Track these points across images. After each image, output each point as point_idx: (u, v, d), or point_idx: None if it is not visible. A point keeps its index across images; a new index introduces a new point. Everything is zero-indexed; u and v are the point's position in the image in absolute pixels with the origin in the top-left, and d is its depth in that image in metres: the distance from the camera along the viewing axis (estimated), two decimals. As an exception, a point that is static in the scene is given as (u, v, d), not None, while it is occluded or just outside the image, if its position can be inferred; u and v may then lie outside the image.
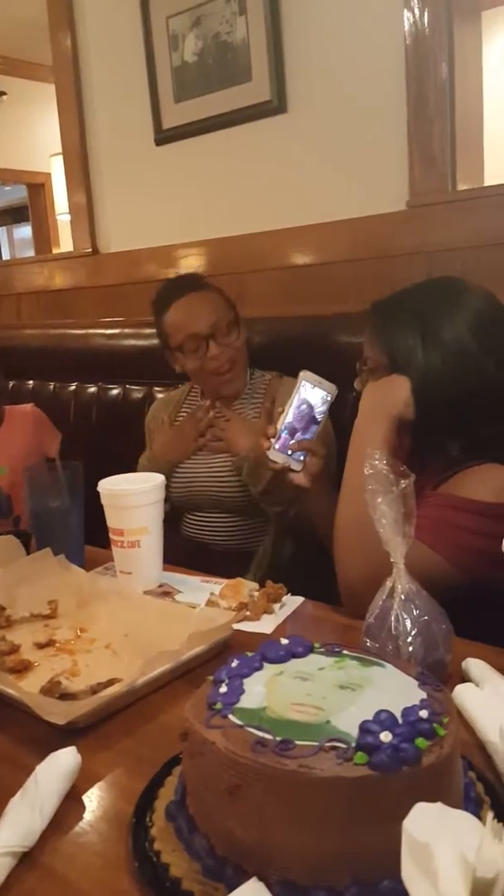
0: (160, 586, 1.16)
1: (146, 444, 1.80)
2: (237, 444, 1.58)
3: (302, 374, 1.21)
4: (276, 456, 1.19)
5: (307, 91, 1.89)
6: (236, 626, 0.97)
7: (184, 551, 1.57)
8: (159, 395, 2.01)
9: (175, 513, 1.71)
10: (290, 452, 1.19)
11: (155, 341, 2.04)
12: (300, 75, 1.90)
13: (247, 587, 1.09)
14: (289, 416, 1.20)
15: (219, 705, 0.58)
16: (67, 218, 2.62)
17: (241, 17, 1.94)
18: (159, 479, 1.16)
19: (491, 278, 1.59)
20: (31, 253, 5.82)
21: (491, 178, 1.82)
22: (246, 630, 0.99)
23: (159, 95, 2.18)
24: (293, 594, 1.10)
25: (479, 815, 0.55)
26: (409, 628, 0.79)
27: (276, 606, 1.06)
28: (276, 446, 1.19)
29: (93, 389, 2.21)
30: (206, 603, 1.07)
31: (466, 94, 1.72)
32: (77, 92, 2.41)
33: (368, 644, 0.82)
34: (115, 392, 2.16)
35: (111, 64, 2.33)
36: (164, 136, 2.20)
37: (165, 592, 1.14)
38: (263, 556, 1.57)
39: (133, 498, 1.12)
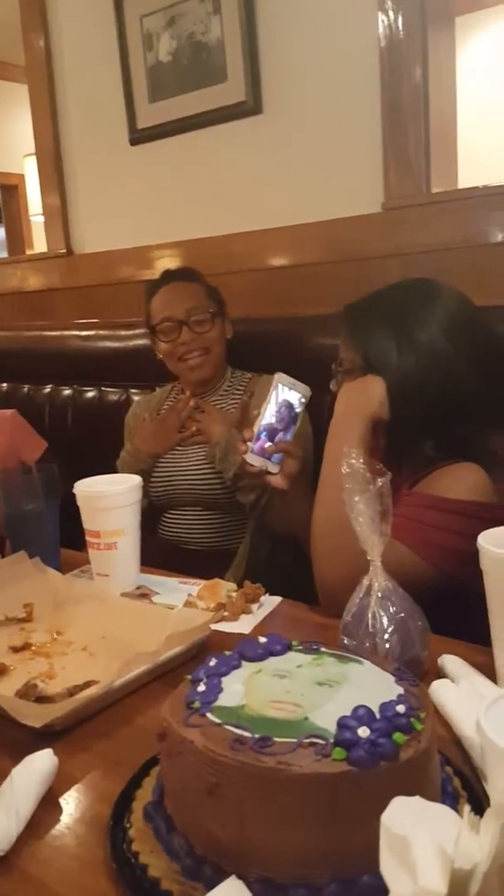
0: (137, 588, 1.15)
1: (125, 442, 1.79)
2: (211, 432, 1.62)
3: (276, 376, 1.22)
4: (254, 459, 1.19)
5: (283, 92, 1.90)
6: (214, 627, 0.97)
7: (161, 553, 1.56)
8: (136, 398, 2.01)
9: (153, 512, 1.71)
10: (267, 455, 1.20)
11: (132, 343, 2.05)
12: (275, 77, 1.90)
13: (224, 588, 1.09)
14: (265, 418, 1.20)
15: (197, 704, 0.58)
16: (41, 219, 2.60)
17: (216, 16, 1.94)
18: (136, 480, 1.16)
19: (466, 280, 1.60)
20: (3, 255, 5.75)
21: (464, 181, 1.83)
22: (224, 630, 0.99)
23: (134, 95, 2.17)
24: (271, 595, 1.10)
25: (456, 810, 0.55)
26: (385, 625, 0.79)
27: (254, 607, 1.06)
28: (254, 449, 1.19)
29: (68, 392, 2.19)
30: (183, 604, 1.07)
31: (440, 98, 1.74)
32: (50, 92, 2.40)
33: (346, 642, 0.82)
34: (90, 394, 2.15)
35: (85, 64, 2.32)
36: (139, 137, 2.20)
37: (143, 594, 1.13)
38: (242, 557, 1.57)
39: (109, 500, 1.11)
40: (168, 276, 1.74)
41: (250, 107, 1.93)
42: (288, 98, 1.89)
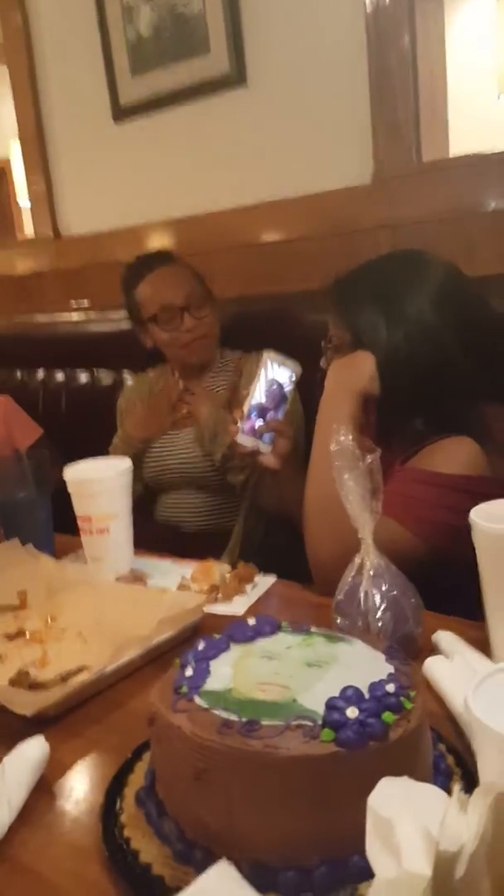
0: (131, 572, 1.14)
1: (117, 426, 1.78)
2: (199, 412, 1.61)
3: (265, 353, 1.20)
4: (244, 440, 1.17)
5: (267, 63, 1.86)
6: (208, 609, 0.96)
7: (156, 536, 1.56)
8: (129, 380, 1.99)
9: (148, 496, 1.70)
10: (258, 435, 1.18)
11: (123, 325, 2.02)
12: (259, 47, 1.86)
13: (218, 569, 1.08)
14: (254, 397, 1.18)
15: (184, 689, 0.57)
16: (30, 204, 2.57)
17: (196, -13, 1.90)
18: (126, 463, 1.15)
19: (458, 250, 1.58)
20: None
21: (456, 149, 1.80)
22: (218, 612, 0.98)
23: (115, 71, 2.13)
24: (266, 574, 1.10)
25: (448, 787, 0.55)
26: (378, 603, 0.79)
27: (248, 587, 1.05)
28: (244, 429, 1.17)
29: (61, 377, 2.18)
30: (177, 587, 1.06)
31: (429, 64, 1.70)
32: (31, 72, 2.35)
33: (339, 621, 0.81)
34: (84, 378, 2.13)
35: (64, 41, 2.27)
36: (122, 113, 2.15)
37: (137, 578, 1.12)
38: (236, 538, 1.57)
39: (99, 484, 1.10)
40: (147, 263, 1.68)
41: (234, 79, 1.89)
42: (273, 69, 1.85)
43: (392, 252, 1.21)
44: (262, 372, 1.19)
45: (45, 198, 2.42)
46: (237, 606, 1.01)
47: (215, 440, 1.54)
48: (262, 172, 1.92)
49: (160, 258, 1.70)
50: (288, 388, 1.20)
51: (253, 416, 1.17)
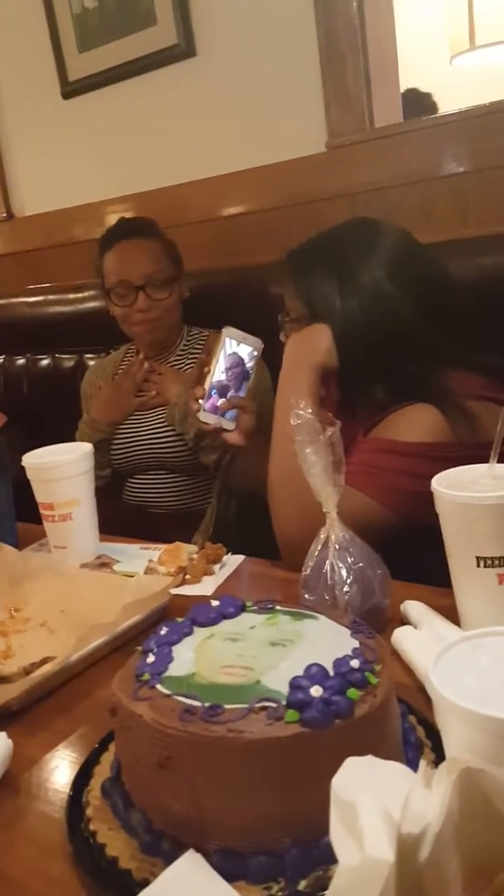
0: (97, 558, 1.12)
1: (82, 411, 1.75)
2: (169, 393, 1.58)
3: (225, 330, 1.18)
4: (207, 417, 1.16)
5: (215, 33, 1.81)
6: (177, 591, 0.95)
7: (125, 519, 1.54)
8: (91, 363, 1.95)
9: (117, 479, 1.67)
10: (221, 412, 1.16)
11: (82, 306, 1.98)
12: (206, 16, 1.81)
13: (186, 551, 1.07)
14: (215, 374, 1.16)
15: (146, 676, 0.55)
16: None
17: (139, -44, 1.84)
18: (86, 447, 1.12)
19: (416, 216, 1.57)
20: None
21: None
22: (186, 594, 0.97)
23: (62, 46, 2.06)
24: (240, 553, 1.08)
25: (418, 760, 0.54)
26: (344, 577, 0.77)
27: (216, 567, 1.04)
28: (206, 407, 1.16)
29: (21, 361, 2.13)
30: (144, 570, 1.04)
31: (378, 26, 1.67)
32: (-25, 49, 2.27)
33: (306, 596, 0.80)
34: (44, 362, 2.09)
35: (8, 17, 2.19)
36: (72, 89, 2.09)
37: (103, 564, 1.10)
38: (209, 518, 1.55)
39: (59, 470, 1.08)
40: (124, 228, 1.63)
41: (182, 50, 1.84)
42: (221, 39, 1.81)
43: (344, 222, 1.19)
44: (222, 349, 1.17)
45: (-3, 177, 2.35)
46: (206, 587, 0.99)
47: (186, 420, 1.51)
48: (217, 144, 1.88)
49: (137, 227, 1.63)
50: (249, 364, 1.19)
51: (214, 393, 1.16)
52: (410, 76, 1.84)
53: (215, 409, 1.16)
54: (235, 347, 1.18)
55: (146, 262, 1.56)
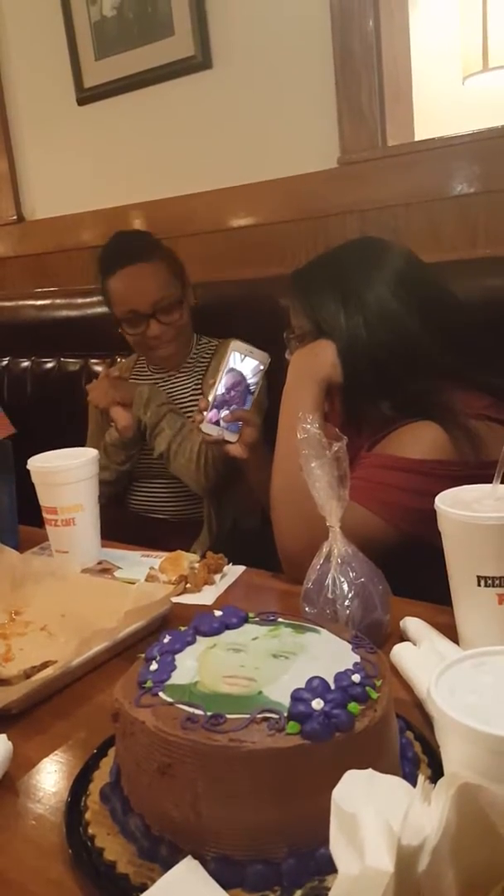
0: (99, 563, 1.13)
1: (89, 419, 1.75)
2: (119, 425, 1.58)
3: (232, 344, 1.20)
4: (209, 429, 1.18)
5: (232, 46, 1.83)
6: (177, 600, 0.95)
7: (128, 525, 1.54)
8: (96, 367, 1.97)
9: (120, 484, 1.68)
10: (224, 425, 1.18)
11: (89, 311, 1.99)
12: (224, 29, 1.83)
13: (187, 559, 1.07)
14: (220, 387, 1.18)
15: (149, 683, 0.56)
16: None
17: (159, -32, 1.86)
18: (92, 453, 1.13)
19: (426, 235, 1.59)
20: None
21: (421, 132, 1.79)
22: (187, 603, 0.97)
23: (79, 53, 2.09)
24: (237, 564, 1.09)
25: (416, 776, 0.55)
26: (346, 591, 0.78)
27: (217, 577, 1.05)
28: (209, 419, 1.17)
29: (26, 364, 2.14)
30: (145, 578, 1.05)
31: (393, 45, 1.69)
32: (-7, 53, 2.30)
33: (307, 609, 0.81)
34: (49, 365, 2.10)
35: (27, 22, 2.21)
36: (87, 96, 2.12)
37: (104, 569, 1.11)
38: (207, 529, 1.56)
39: (64, 474, 1.08)
40: (126, 252, 1.57)
41: (199, 61, 1.87)
42: (238, 52, 1.83)
43: (350, 240, 1.21)
44: (227, 362, 1.19)
45: (9, 181, 2.37)
46: (206, 596, 1.00)
47: (155, 437, 1.54)
48: (228, 156, 1.90)
49: (139, 249, 1.58)
50: (254, 378, 1.21)
51: (217, 406, 1.18)
52: (424, 96, 1.85)
53: (217, 421, 1.18)
54: (241, 361, 1.20)
55: (153, 289, 1.53)
